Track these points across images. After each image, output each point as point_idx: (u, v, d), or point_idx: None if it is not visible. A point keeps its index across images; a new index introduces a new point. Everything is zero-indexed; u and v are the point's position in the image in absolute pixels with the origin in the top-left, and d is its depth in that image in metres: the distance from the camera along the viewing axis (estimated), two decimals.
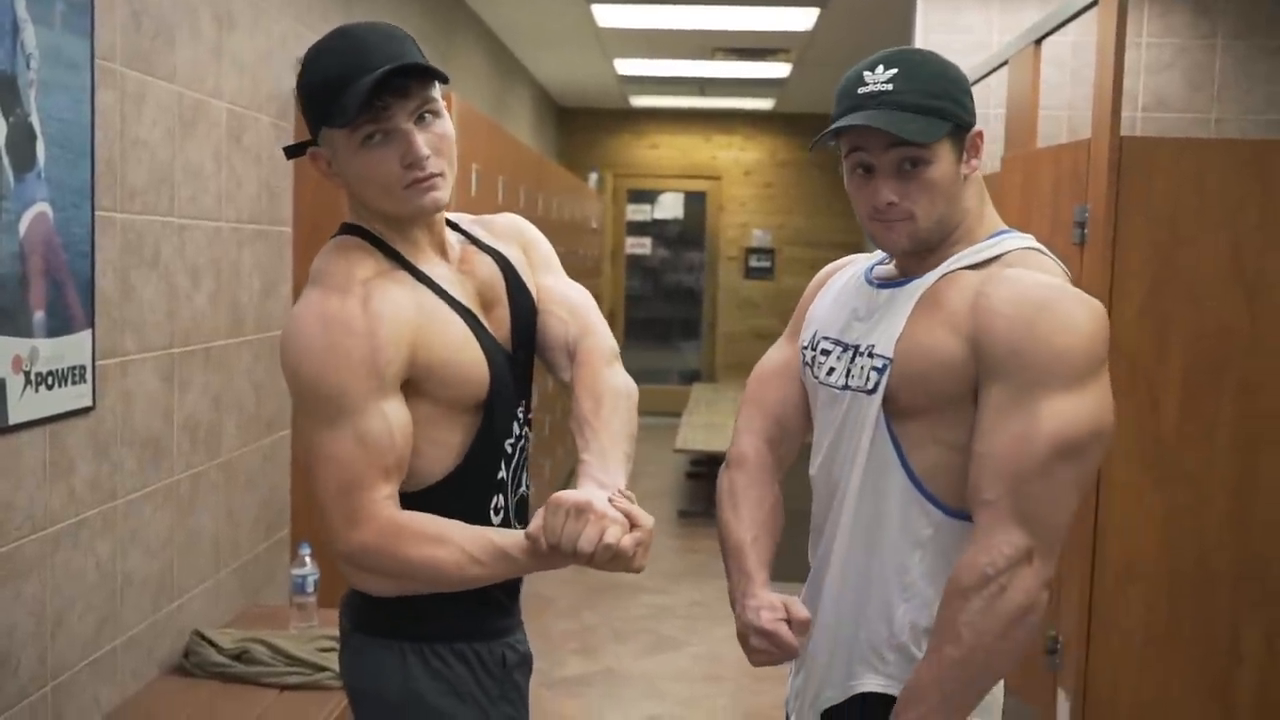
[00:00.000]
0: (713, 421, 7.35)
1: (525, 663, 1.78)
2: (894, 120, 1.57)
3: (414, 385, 1.58)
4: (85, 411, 2.40)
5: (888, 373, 1.63)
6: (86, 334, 2.38)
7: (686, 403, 8.38)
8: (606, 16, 6.75)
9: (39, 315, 2.22)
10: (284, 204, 3.44)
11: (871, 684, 1.69)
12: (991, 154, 3.97)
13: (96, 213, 2.42)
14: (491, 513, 1.69)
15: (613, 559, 1.47)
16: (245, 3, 3.13)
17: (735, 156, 10.89)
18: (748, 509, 1.80)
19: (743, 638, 1.70)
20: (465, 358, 1.61)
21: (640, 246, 11.14)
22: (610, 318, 10.72)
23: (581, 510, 1.46)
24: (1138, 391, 2.70)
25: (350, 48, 1.54)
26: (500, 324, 1.72)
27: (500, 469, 1.70)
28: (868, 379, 1.66)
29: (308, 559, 3.08)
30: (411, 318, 1.57)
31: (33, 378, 2.20)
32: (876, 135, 1.60)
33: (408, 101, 1.55)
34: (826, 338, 1.78)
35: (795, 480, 1.91)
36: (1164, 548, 2.74)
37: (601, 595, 5.41)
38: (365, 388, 1.52)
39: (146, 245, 2.65)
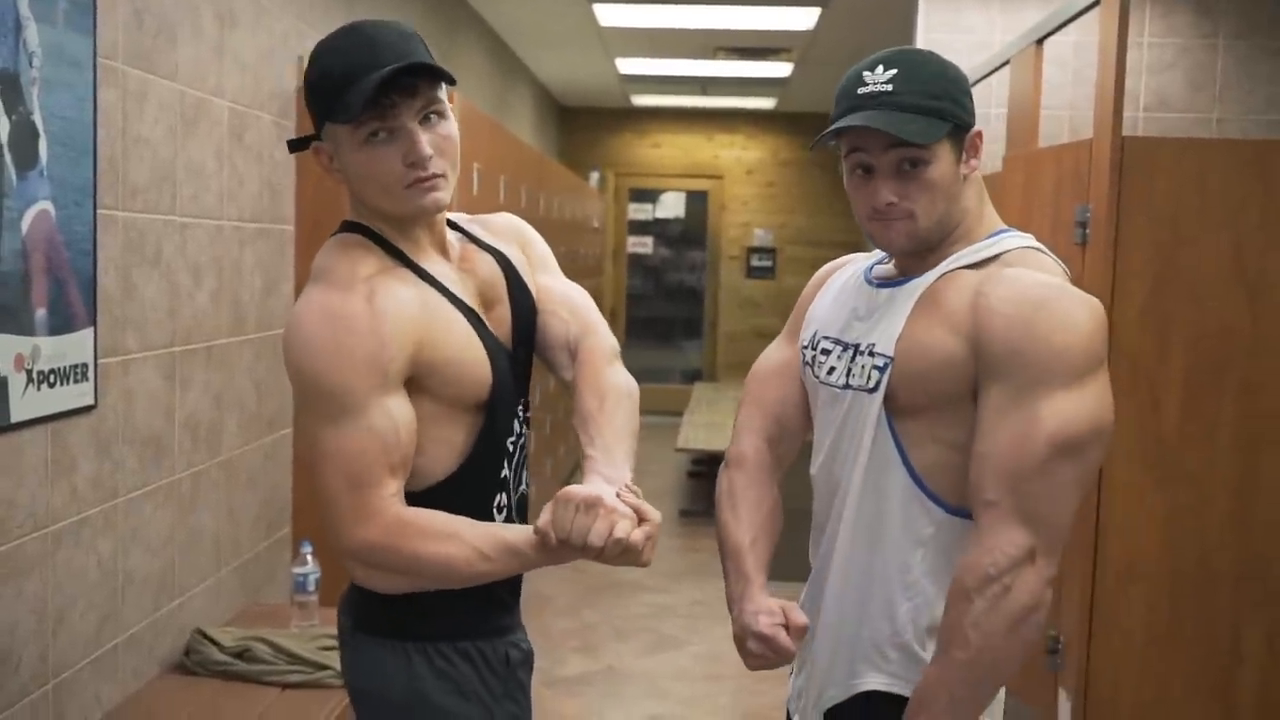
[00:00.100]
0: (714, 421, 7.35)
1: (528, 661, 1.78)
2: (894, 121, 1.57)
3: (417, 383, 1.57)
4: (87, 410, 2.40)
5: (889, 371, 1.63)
6: (88, 332, 2.38)
7: (688, 402, 8.38)
8: (608, 15, 6.75)
9: (41, 313, 2.22)
10: (286, 202, 3.44)
11: (874, 682, 1.69)
12: (993, 154, 3.97)
13: (98, 211, 2.42)
14: (495, 511, 1.69)
15: (622, 553, 1.47)
16: (247, 1, 3.13)
17: (737, 156, 10.89)
18: (746, 510, 1.80)
19: (739, 641, 1.70)
20: (468, 356, 1.62)
21: (642, 246, 11.15)
22: (612, 317, 10.72)
23: (591, 505, 1.46)
24: (1139, 391, 2.70)
25: (359, 44, 1.54)
26: (501, 323, 1.72)
27: (503, 467, 1.70)
28: (869, 378, 1.66)
29: (309, 557, 3.08)
30: (416, 315, 1.57)
31: (34, 376, 2.20)
32: (876, 136, 1.60)
33: (414, 101, 1.55)
34: (827, 337, 1.78)
35: (795, 479, 1.91)
36: (1165, 548, 2.74)
37: (602, 594, 5.41)
38: (370, 384, 1.52)
39: (148, 243, 2.65)
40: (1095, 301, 1.59)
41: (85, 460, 2.42)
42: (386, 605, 1.62)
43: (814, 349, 1.80)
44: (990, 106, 4.55)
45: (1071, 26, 3.28)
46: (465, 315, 1.63)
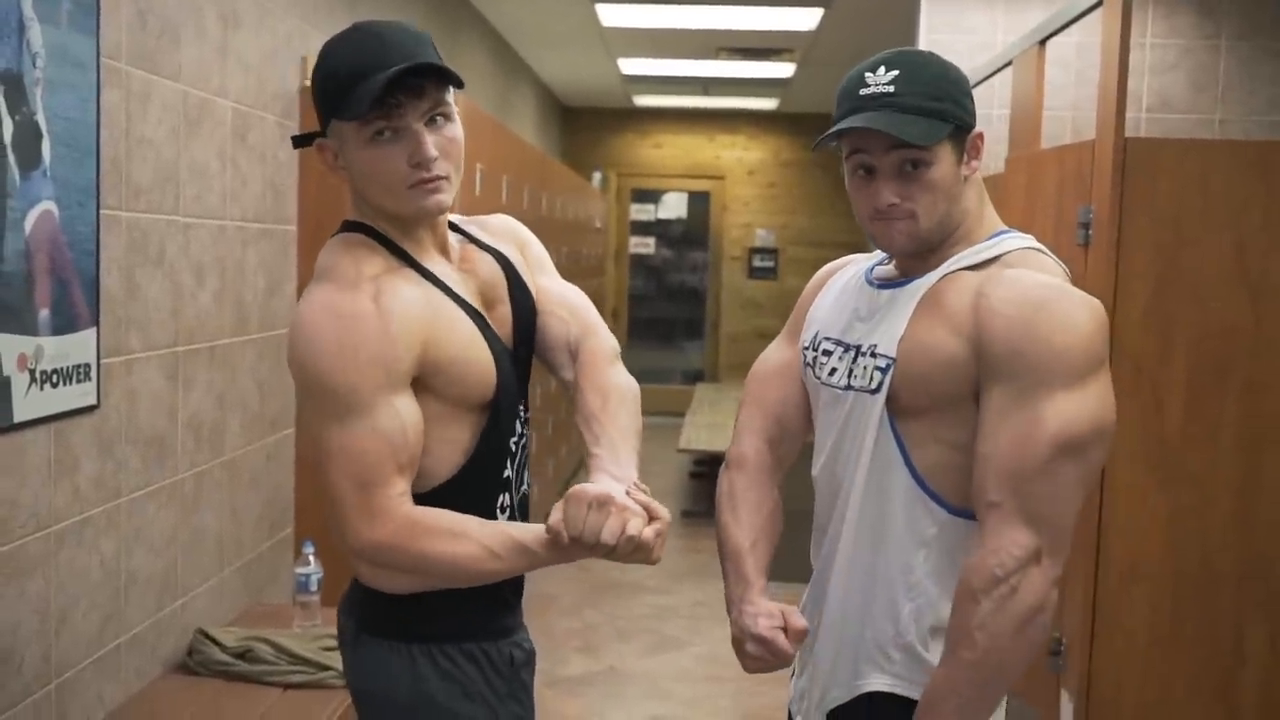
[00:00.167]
0: (716, 421, 7.36)
1: (530, 661, 1.78)
2: (895, 122, 1.58)
3: (422, 383, 1.57)
4: (90, 410, 2.41)
5: (891, 372, 1.63)
6: (91, 332, 2.38)
7: (690, 403, 8.38)
8: (611, 16, 6.75)
9: (44, 313, 2.22)
10: (289, 203, 3.44)
11: (878, 683, 1.69)
12: (996, 154, 3.97)
13: (102, 211, 2.42)
14: (498, 511, 1.69)
15: (634, 551, 1.48)
16: (251, 2, 3.13)
17: (739, 156, 10.89)
18: (747, 512, 1.81)
19: (738, 643, 1.70)
20: (473, 356, 1.62)
21: (644, 246, 11.15)
22: (614, 317, 10.72)
23: (603, 503, 1.47)
24: (1142, 392, 2.70)
25: (369, 42, 1.54)
26: (502, 323, 1.72)
27: (506, 467, 1.70)
28: (871, 379, 1.66)
29: (311, 558, 3.08)
30: (422, 314, 1.57)
31: (38, 376, 2.21)
32: (878, 137, 1.60)
33: (421, 102, 1.55)
34: (828, 338, 1.78)
35: (796, 481, 1.92)
36: (1168, 548, 2.73)
37: (604, 594, 5.41)
38: (377, 383, 1.51)
39: (151, 244, 2.65)
40: (1095, 302, 1.59)
41: (88, 460, 2.42)
42: (391, 607, 1.62)
43: (815, 350, 1.80)
44: (993, 107, 4.55)
45: (1074, 27, 3.28)
46: (469, 315, 1.64)
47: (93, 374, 2.39)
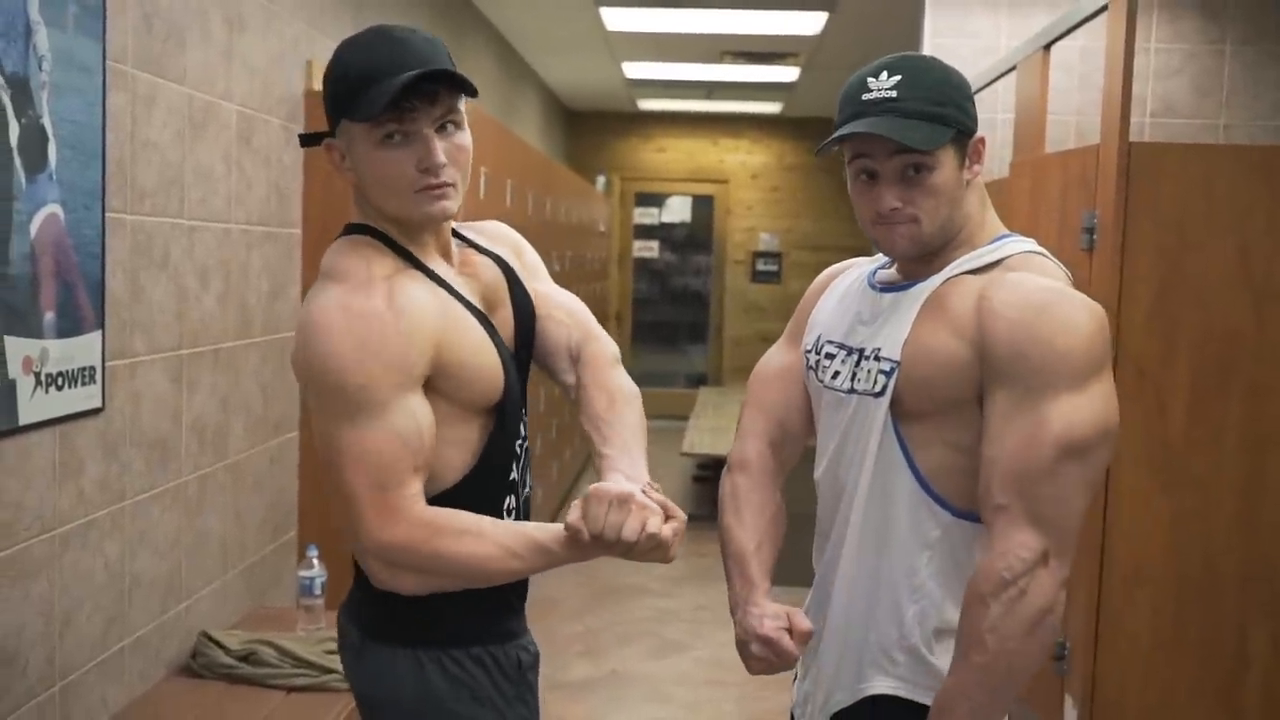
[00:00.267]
0: (719, 425, 7.36)
1: (536, 663, 1.78)
2: (898, 127, 1.58)
3: (432, 385, 1.57)
4: (95, 412, 2.41)
5: (895, 376, 1.64)
6: (96, 335, 2.39)
7: (693, 406, 8.38)
8: (615, 20, 6.76)
9: (49, 316, 2.23)
10: (293, 206, 3.45)
11: (882, 686, 1.69)
12: (1000, 159, 3.97)
13: (107, 214, 2.43)
14: (505, 513, 1.69)
15: (653, 549, 1.51)
16: (256, 6, 3.14)
17: (743, 160, 10.89)
18: (750, 515, 1.81)
19: (742, 645, 1.71)
20: (483, 359, 1.62)
21: (647, 250, 11.15)
22: (617, 321, 10.73)
23: (624, 501, 1.49)
24: (1145, 396, 2.70)
25: (387, 45, 1.55)
26: (505, 326, 1.72)
27: (512, 470, 1.70)
28: (875, 382, 1.66)
29: (315, 561, 3.09)
30: (435, 317, 1.57)
31: (43, 378, 2.21)
32: (880, 142, 1.61)
33: (434, 108, 1.55)
34: (831, 341, 1.78)
35: (797, 484, 1.92)
36: (1171, 552, 2.73)
37: (606, 598, 5.41)
38: (392, 383, 1.51)
39: (156, 247, 2.66)
40: (1096, 304, 1.59)
41: (93, 463, 2.43)
42: (397, 611, 1.62)
43: (818, 353, 1.80)
44: (997, 112, 4.55)
45: (1078, 32, 3.28)
46: (476, 318, 1.64)
47: (97, 377, 2.40)
